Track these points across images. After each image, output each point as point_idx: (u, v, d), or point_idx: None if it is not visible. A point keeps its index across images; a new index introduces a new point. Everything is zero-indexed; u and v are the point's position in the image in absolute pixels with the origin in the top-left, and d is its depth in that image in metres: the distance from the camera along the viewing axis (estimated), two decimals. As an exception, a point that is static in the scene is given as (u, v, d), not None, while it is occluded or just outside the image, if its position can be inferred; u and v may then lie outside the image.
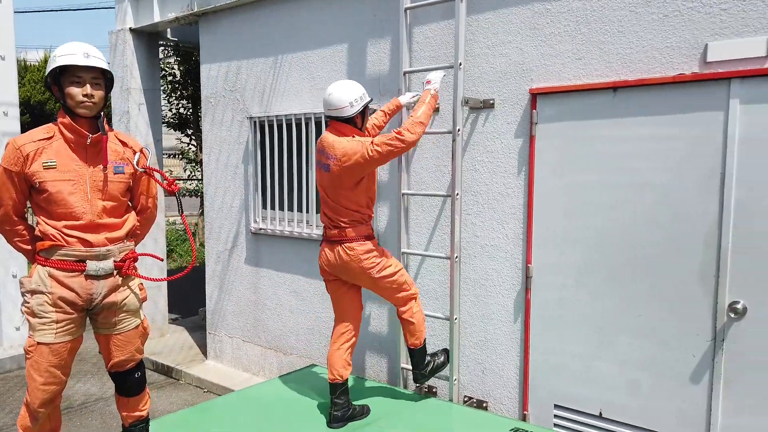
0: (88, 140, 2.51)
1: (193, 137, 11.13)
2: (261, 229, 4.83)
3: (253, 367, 5.08)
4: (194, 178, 12.27)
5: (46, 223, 2.51)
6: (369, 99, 3.18)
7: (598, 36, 3.11)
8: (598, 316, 3.16)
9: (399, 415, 3.38)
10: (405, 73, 3.72)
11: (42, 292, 2.49)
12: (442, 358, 3.51)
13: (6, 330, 5.85)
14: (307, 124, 4.42)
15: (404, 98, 3.52)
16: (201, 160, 9.83)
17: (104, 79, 2.57)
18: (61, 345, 2.51)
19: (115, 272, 2.59)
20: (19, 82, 6.23)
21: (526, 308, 3.43)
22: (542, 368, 3.39)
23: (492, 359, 3.62)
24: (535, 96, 3.30)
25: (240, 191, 5.03)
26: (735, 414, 2.82)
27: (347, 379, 3.27)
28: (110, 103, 6.08)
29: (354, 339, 3.31)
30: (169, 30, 6.13)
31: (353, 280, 3.25)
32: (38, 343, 2.49)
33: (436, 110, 3.68)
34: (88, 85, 2.48)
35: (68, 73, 2.47)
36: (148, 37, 5.92)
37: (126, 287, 2.66)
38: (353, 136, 3.08)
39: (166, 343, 6.05)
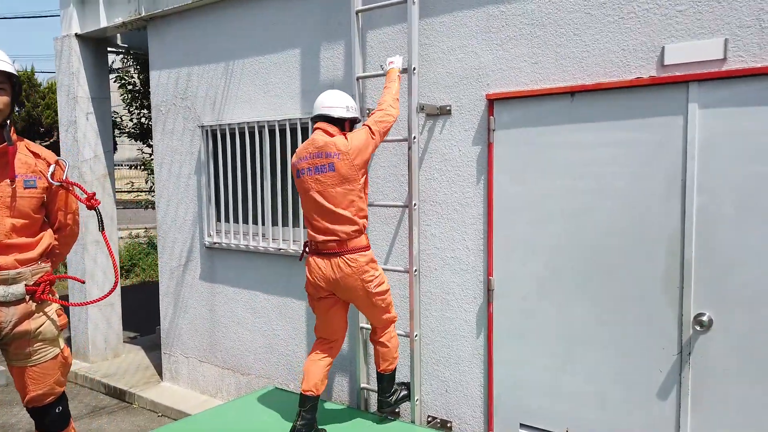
0: None
1: (155, 147, 10.79)
2: (215, 243, 4.60)
3: (211, 388, 4.83)
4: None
5: None
6: (360, 117, 3.30)
7: (554, 39, 2.99)
8: (563, 327, 3.04)
9: (357, 440, 3.20)
10: (358, 79, 3.56)
11: None
12: (405, 392, 3.43)
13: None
14: (260, 132, 4.22)
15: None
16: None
17: (10, 84, 2.33)
18: None
19: (27, 297, 2.35)
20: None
21: (488, 322, 3.28)
22: (507, 384, 3.25)
23: (455, 376, 3.46)
24: (492, 102, 3.18)
25: (193, 204, 4.79)
26: (703, 429, 2.71)
27: (319, 396, 3.09)
28: (56, 113, 5.77)
29: (333, 358, 3.18)
30: (119, 36, 5.88)
31: (347, 294, 3.05)
32: None
33: None
34: None
35: None
36: (95, 43, 5.65)
37: (41, 314, 2.42)
38: (344, 136, 3.01)
39: (120, 364, 5.75)
